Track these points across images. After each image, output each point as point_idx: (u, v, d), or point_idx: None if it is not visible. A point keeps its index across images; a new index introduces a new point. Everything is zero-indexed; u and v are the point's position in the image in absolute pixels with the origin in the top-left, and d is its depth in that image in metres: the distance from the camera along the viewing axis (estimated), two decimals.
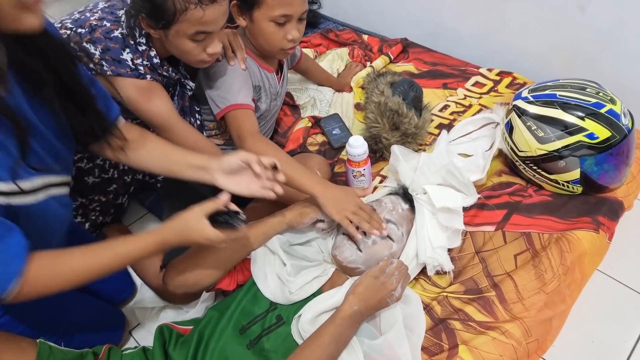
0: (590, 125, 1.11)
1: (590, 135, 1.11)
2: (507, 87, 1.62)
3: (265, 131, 1.40)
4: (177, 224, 0.82)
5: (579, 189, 1.20)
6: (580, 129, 1.11)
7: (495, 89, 1.63)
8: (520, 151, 1.22)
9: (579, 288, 1.12)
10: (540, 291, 1.03)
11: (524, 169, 1.25)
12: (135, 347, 0.98)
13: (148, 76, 1.06)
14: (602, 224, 1.16)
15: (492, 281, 1.07)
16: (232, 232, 0.82)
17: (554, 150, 1.15)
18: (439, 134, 1.45)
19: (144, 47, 1.06)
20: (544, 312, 1.02)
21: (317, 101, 1.61)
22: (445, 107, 1.57)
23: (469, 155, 1.37)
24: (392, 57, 1.79)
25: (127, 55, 1.04)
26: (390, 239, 1.01)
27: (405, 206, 1.07)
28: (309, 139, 1.50)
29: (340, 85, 1.66)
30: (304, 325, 0.91)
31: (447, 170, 1.06)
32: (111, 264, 0.79)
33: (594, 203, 1.21)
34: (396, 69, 1.75)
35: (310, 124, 1.53)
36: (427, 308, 1.04)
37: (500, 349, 0.96)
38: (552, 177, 1.20)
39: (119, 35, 1.04)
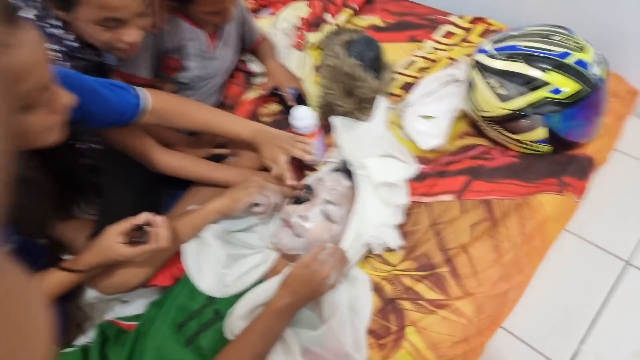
0: (555, 78, 1.00)
1: (556, 90, 1.00)
2: (480, 35, 1.48)
3: (207, 102, 1.32)
4: (95, 246, 0.84)
5: (546, 148, 1.11)
6: (544, 84, 1.00)
7: (467, 38, 1.49)
8: (481, 111, 1.12)
9: (540, 256, 1.05)
10: (495, 263, 0.97)
11: (488, 129, 1.15)
12: (75, 347, 0.95)
13: (68, 64, 0.98)
14: (568, 185, 1.08)
15: (446, 255, 1.00)
16: (141, 248, 0.83)
17: (516, 110, 1.05)
18: (403, 95, 1.35)
19: (60, 31, 0.96)
20: (498, 285, 0.96)
21: None
22: (412, 63, 1.44)
23: (433, 117, 1.27)
24: (357, 9, 1.64)
25: None
26: (331, 220, 0.94)
27: (347, 183, 0.99)
28: (262, 109, 1.40)
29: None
30: (235, 322, 0.86)
31: (385, 141, 0.96)
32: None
33: (560, 162, 1.12)
34: (361, 23, 1.61)
35: (263, 92, 1.43)
36: (377, 288, 0.98)
37: (450, 328, 0.91)
38: (516, 137, 1.11)
39: (34, 17, 0.95)
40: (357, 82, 1.23)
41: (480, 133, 1.21)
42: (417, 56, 1.46)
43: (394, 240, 0.97)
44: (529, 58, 1.02)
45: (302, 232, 0.93)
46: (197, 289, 0.94)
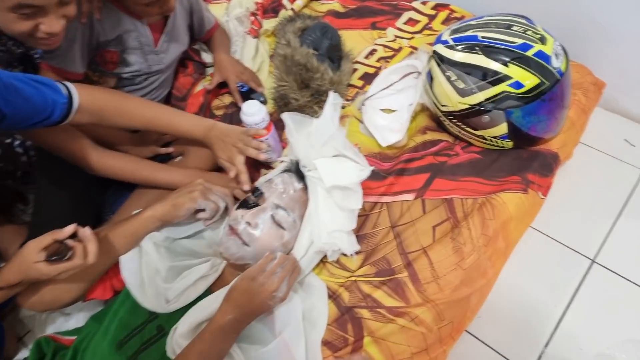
0: (515, 71, 0.94)
1: (516, 84, 0.95)
2: (443, 23, 1.42)
3: (154, 96, 1.22)
4: (15, 262, 0.76)
5: (509, 144, 1.06)
6: (504, 77, 0.95)
7: (430, 26, 1.42)
8: (442, 105, 1.06)
9: (504, 257, 1.02)
10: (457, 267, 0.93)
11: (449, 124, 1.10)
12: None
13: None
14: (532, 182, 1.04)
15: (406, 259, 0.95)
16: (62, 265, 0.75)
17: (476, 104, 0.99)
18: (363, 85, 1.28)
19: None
20: (460, 290, 0.91)
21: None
22: (373, 52, 1.37)
23: (393, 111, 1.21)
24: None
25: None
26: (281, 227, 0.87)
27: (299, 186, 0.92)
28: (215, 101, 1.31)
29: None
30: (177, 339, 0.79)
31: (337, 140, 0.90)
32: None
33: (525, 158, 1.08)
34: (320, 8, 1.53)
35: (208, 87, 1.33)
36: (334, 296, 0.92)
37: (409, 338, 0.86)
38: (478, 132, 1.05)
39: None
40: (312, 74, 1.15)
41: (442, 128, 1.16)
42: (378, 44, 1.39)
43: (350, 246, 0.91)
44: (489, 50, 0.96)
45: (250, 240, 0.86)
46: (139, 304, 0.86)
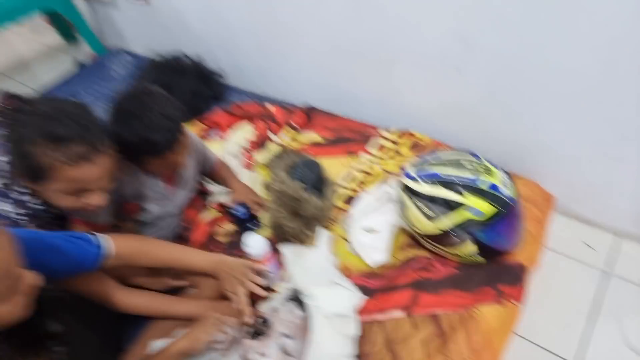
0: (472, 200, 1.11)
1: (476, 211, 1.11)
2: (410, 149, 1.64)
3: (171, 232, 1.35)
4: None
5: (480, 259, 1.21)
6: (463, 206, 1.12)
7: (399, 151, 1.64)
8: (415, 228, 1.22)
9: None
10: None
11: (425, 243, 1.25)
12: None
13: (32, 224, 1.00)
14: (504, 293, 1.17)
15: None
16: None
17: (444, 229, 1.16)
18: (348, 209, 1.45)
19: (27, 197, 1.00)
20: None
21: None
22: (351, 176, 1.57)
23: (375, 231, 1.37)
24: (298, 128, 1.78)
25: (6, 206, 0.97)
26: (288, 354, 0.97)
27: (300, 313, 1.03)
28: (218, 229, 1.44)
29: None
30: None
31: (330, 270, 1.03)
32: None
33: (496, 270, 1.21)
34: (303, 139, 1.74)
35: (218, 214, 1.48)
36: None
37: None
38: (452, 251, 1.21)
39: (1, 186, 0.98)
40: (302, 204, 1.32)
41: (419, 244, 1.31)
42: (355, 169, 1.58)
43: None
44: (447, 183, 1.14)
45: None
46: None
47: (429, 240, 1.22)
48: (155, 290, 1.17)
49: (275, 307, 1.04)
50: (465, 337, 1.08)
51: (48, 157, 0.86)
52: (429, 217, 1.16)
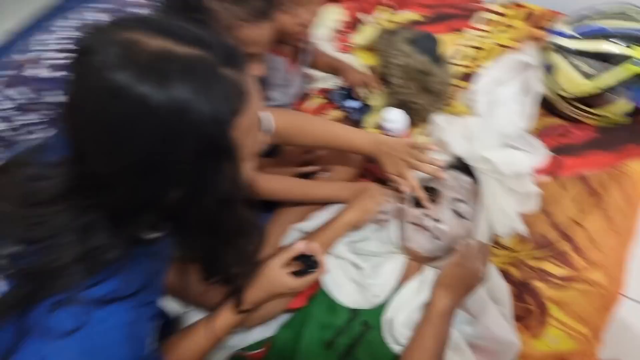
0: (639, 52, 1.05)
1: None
2: (524, 20, 1.53)
3: None
4: (259, 283, 0.82)
5: (627, 119, 1.16)
6: (630, 59, 1.05)
7: (511, 24, 1.53)
8: (565, 92, 1.16)
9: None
10: (610, 231, 1.02)
11: (567, 108, 1.20)
12: None
13: None
14: None
15: (561, 232, 1.05)
16: (311, 277, 0.84)
17: (605, 87, 1.09)
18: (465, 85, 1.38)
19: None
20: (618, 252, 1.01)
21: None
22: (460, 53, 1.48)
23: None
24: (393, 6, 1.65)
25: None
26: (463, 217, 0.96)
27: (468, 179, 1.01)
28: (324, 116, 1.39)
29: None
30: (400, 330, 0.87)
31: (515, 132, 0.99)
32: None
33: (636, 130, 1.19)
34: (399, 19, 1.63)
35: (322, 99, 1.42)
36: (504, 274, 1.01)
37: (589, 299, 0.96)
38: (600, 112, 1.16)
39: None
40: (430, 77, 1.25)
41: (552, 112, 1.25)
42: (463, 45, 1.49)
43: (523, 227, 1.00)
44: (609, 36, 1.07)
45: (440, 234, 0.94)
46: (338, 304, 0.93)
47: (575, 103, 1.16)
48: None
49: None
50: (619, 191, 1.07)
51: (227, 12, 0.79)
52: (587, 76, 1.10)
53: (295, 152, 1.21)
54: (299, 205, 1.12)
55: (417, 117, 1.28)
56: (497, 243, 1.06)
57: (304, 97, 1.44)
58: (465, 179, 1.01)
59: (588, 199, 1.08)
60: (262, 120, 0.89)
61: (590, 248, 1.01)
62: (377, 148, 1.00)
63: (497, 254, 1.05)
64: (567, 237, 1.02)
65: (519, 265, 1.02)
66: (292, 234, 1.06)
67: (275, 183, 1.08)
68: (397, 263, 0.98)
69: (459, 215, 0.96)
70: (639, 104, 1.12)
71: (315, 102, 1.43)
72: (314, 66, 1.45)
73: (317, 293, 0.96)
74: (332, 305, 0.94)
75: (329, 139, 1.02)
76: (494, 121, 1.02)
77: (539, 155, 1.00)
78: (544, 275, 0.99)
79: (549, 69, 1.17)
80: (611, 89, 1.09)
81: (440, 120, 1.07)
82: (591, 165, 1.13)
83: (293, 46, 1.19)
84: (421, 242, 0.95)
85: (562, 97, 1.18)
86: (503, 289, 0.96)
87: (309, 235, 0.98)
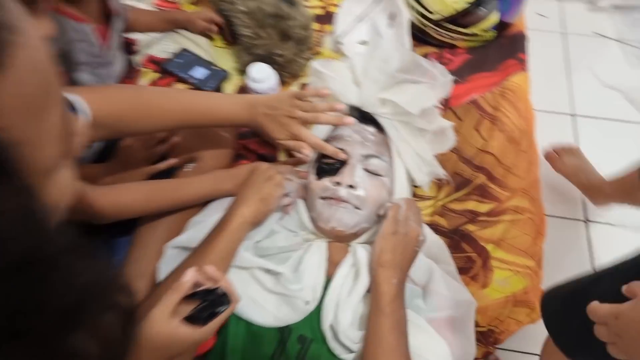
0: None
1: None
2: None
3: None
4: (145, 351, 0.52)
5: (492, 34, 1.12)
6: None
7: None
8: (433, 13, 1.05)
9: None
10: (518, 152, 0.97)
11: (438, 32, 1.10)
12: None
13: None
14: (523, 60, 1.12)
15: (473, 165, 0.96)
16: (220, 317, 0.56)
17: (473, 1, 1.01)
18: (322, 28, 1.20)
19: None
20: (532, 171, 0.96)
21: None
22: None
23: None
24: None
25: None
26: (379, 175, 0.79)
27: (372, 129, 0.83)
28: None
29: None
30: (348, 333, 0.68)
31: (410, 61, 0.83)
32: None
33: (506, 44, 1.16)
34: None
35: (157, 74, 1.11)
36: (433, 226, 0.89)
37: (521, 227, 0.89)
38: (469, 30, 1.08)
39: None
40: (288, 22, 1.03)
41: (418, 40, 1.15)
42: None
43: (442, 169, 0.87)
44: None
45: (360, 202, 0.76)
46: (261, 328, 0.70)
47: (446, 23, 1.06)
48: None
49: (335, 135, 0.82)
50: (512, 109, 1.03)
51: None
52: None
53: (137, 147, 0.87)
54: (166, 214, 0.83)
55: (286, 71, 1.05)
56: (415, 195, 0.93)
57: (132, 73, 1.10)
58: (369, 129, 0.83)
59: (487, 124, 1.01)
60: (71, 105, 0.58)
61: (506, 174, 0.94)
62: (254, 112, 0.75)
63: (420, 206, 0.92)
64: (481, 169, 0.94)
65: (444, 213, 0.90)
66: (170, 256, 0.77)
67: (121, 195, 0.75)
68: (319, 253, 0.77)
69: (374, 173, 0.79)
70: (504, 16, 1.07)
71: (148, 77, 1.10)
72: (137, 28, 1.11)
73: (227, 322, 0.71)
74: (254, 332, 0.70)
75: (186, 115, 0.73)
76: (377, 57, 0.85)
77: (443, 82, 0.87)
78: (472, 216, 0.89)
79: None
80: (482, 3, 1.01)
81: (319, 67, 0.86)
82: (479, 89, 1.06)
83: (99, 4, 0.85)
84: (341, 219, 0.75)
85: (430, 20, 1.07)
86: (440, 244, 0.83)
87: (195, 253, 0.71)
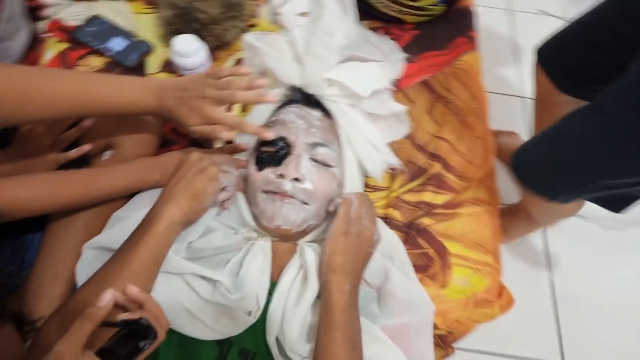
0: None
1: None
2: None
3: None
4: None
5: (442, 8, 1.05)
6: None
7: None
8: None
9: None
10: (474, 139, 0.91)
11: (385, 5, 1.01)
12: None
13: None
14: (473, 38, 1.07)
15: (428, 153, 0.89)
16: (145, 352, 0.45)
17: None
18: None
19: None
20: (488, 159, 0.91)
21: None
22: None
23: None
24: None
25: None
26: (328, 165, 0.70)
27: (318, 113, 0.73)
28: (80, 69, 0.91)
29: None
30: (296, 347, 0.59)
31: (357, 36, 0.73)
32: None
33: (455, 20, 1.08)
34: None
35: (65, 44, 0.94)
36: (386, 220, 0.81)
37: (479, 221, 0.83)
38: (417, 4, 1.00)
39: None
40: None
41: (367, 15, 1.06)
42: None
43: (395, 158, 0.79)
44: None
45: (307, 196, 0.66)
46: (198, 341, 0.60)
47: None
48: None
49: (275, 120, 0.71)
50: (464, 89, 0.97)
51: None
52: None
53: (40, 131, 0.72)
54: (83, 210, 0.69)
55: (212, 36, 0.91)
56: (367, 185, 0.84)
57: (36, 44, 0.93)
58: (314, 113, 0.73)
59: (439, 108, 0.94)
60: None
61: (462, 163, 0.88)
62: (162, 97, 0.64)
63: (373, 198, 0.84)
64: (436, 157, 0.87)
65: (398, 205, 0.82)
66: (89, 259, 0.64)
67: (20, 188, 0.62)
68: (262, 254, 0.67)
69: (322, 164, 0.69)
70: None
71: (55, 48, 0.93)
72: None
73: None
74: (189, 345, 0.60)
75: (78, 102, 0.61)
76: (320, 31, 0.74)
77: (394, 60, 0.78)
78: (428, 208, 0.82)
79: None
80: None
81: (253, 40, 0.74)
82: (429, 68, 0.98)
83: None
84: (286, 216, 0.65)
85: None
86: (395, 240, 0.75)
87: (114, 260, 0.58)
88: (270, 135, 0.64)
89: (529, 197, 0.97)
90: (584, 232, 1.23)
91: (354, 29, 0.78)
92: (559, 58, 0.95)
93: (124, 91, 0.63)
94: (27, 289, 0.67)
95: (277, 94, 0.72)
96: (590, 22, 0.87)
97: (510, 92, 1.29)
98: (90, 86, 0.62)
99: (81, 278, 0.63)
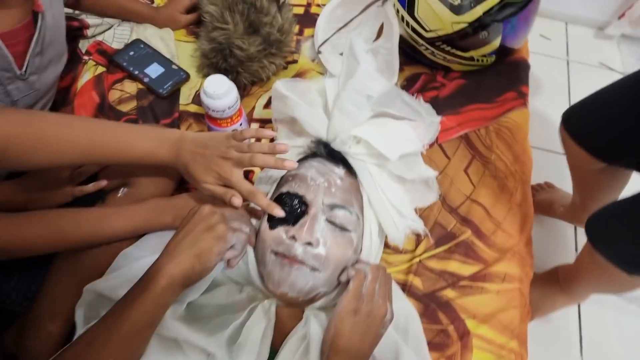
0: None
1: None
2: None
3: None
4: None
5: (491, 60, 0.98)
6: None
7: None
8: (428, 31, 0.91)
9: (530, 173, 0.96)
10: (511, 205, 0.84)
11: (431, 52, 0.95)
12: None
13: None
14: (525, 94, 0.99)
15: (459, 216, 0.82)
16: None
17: (474, 21, 0.87)
18: (300, 30, 1.05)
19: None
20: (525, 229, 0.83)
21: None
22: None
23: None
24: None
25: None
26: (345, 230, 0.65)
27: (341, 171, 0.68)
28: (114, 93, 0.92)
29: (160, 17, 1.02)
30: None
31: (390, 93, 0.69)
32: None
33: (507, 72, 1.01)
34: None
35: (102, 67, 0.95)
36: (405, 288, 0.75)
37: (507, 299, 0.76)
38: (467, 54, 0.94)
39: None
40: (262, 16, 0.87)
41: (412, 60, 1.01)
42: None
43: (421, 224, 0.73)
44: None
45: (319, 263, 0.61)
46: None
47: (442, 44, 0.92)
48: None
49: (295, 175, 0.67)
50: (507, 150, 0.90)
51: None
52: (454, 8, 0.85)
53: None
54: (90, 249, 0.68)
55: (247, 72, 0.89)
56: (387, 246, 0.78)
57: (73, 65, 0.94)
58: (337, 171, 0.68)
59: (477, 167, 0.88)
60: None
61: (495, 231, 0.81)
62: (179, 151, 0.62)
63: (392, 262, 0.78)
64: (467, 222, 0.80)
65: (420, 272, 0.76)
66: (89, 302, 0.62)
67: (26, 227, 0.62)
68: (265, 319, 0.62)
69: (339, 226, 0.64)
70: (507, 41, 0.93)
71: (93, 71, 0.94)
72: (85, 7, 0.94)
73: None
74: None
75: (91, 150, 0.60)
76: (351, 88, 0.70)
77: (428, 123, 0.72)
78: (453, 279, 0.75)
79: (407, 4, 0.90)
80: (484, 25, 0.87)
81: (282, 89, 0.71)
82: (472, 122, 0.92)
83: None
84: (294, 283, 0.61)
85: (423, 38, 0.93)
86: (412, 315, 0.69)
87: (105, 320, 0.55)
88: (280, 213, 0.61)
89: (592, 266, 0.88)
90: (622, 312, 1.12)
91: (388, 87, 0.73)
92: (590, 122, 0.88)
93: (140, 143, 0.62)
94: (26, 321, 0.66)
95: (301, 145, 0.68)
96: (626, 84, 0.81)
97: (558, 149, 1.19)
98: (106, 137, 0.61)
99: (79, 320, 0.61)
